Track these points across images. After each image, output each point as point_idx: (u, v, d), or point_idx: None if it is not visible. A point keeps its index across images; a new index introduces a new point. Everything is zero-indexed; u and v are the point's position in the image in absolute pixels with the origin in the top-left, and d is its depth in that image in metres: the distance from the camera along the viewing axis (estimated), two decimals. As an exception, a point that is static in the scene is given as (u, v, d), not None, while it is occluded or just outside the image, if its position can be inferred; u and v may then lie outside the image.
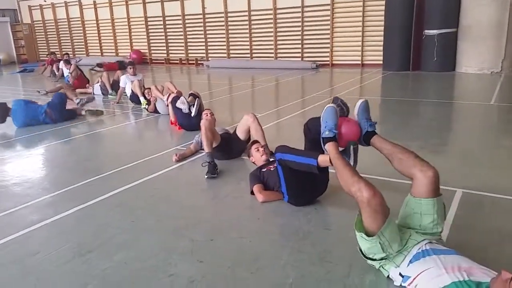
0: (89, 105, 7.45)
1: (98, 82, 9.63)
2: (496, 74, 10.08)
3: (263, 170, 3.48)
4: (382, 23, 11.85)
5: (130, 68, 8.15)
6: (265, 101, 8.44)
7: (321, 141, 2.65)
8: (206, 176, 3.85)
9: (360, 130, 2.71)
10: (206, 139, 4.08)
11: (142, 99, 7.59)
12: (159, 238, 2.84)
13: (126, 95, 8.25)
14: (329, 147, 2.59)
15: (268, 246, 2.67)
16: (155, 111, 6.99)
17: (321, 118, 2.70)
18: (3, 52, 20.23)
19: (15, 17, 21.15)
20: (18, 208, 3.41)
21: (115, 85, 9.37)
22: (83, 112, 6.95)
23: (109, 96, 9.17)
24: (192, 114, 5.60)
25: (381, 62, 11.95)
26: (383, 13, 11.83)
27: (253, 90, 9.69)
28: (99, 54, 18.87)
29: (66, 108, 6.78)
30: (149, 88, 7.31)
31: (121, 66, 12.64)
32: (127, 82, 7.98)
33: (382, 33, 11.84)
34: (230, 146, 4.41)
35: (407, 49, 11.26)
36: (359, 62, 12.98)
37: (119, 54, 18.28)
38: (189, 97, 6.26)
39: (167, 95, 6.64)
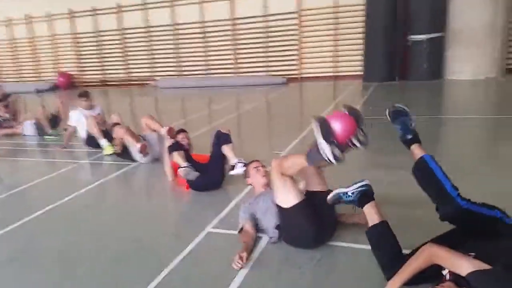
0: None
1: (28, 119, 7.16)
2: (491, 79, 9.29)
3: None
4: (359, 29, 10.73)
5: (85, 100, 5.90)
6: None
7: None
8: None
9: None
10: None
11: (103, 142, 5.43)
12: None
13: (77, 136, 6.00)
14: None
15: None
16: (128, 157, 4.92)
17: None
18: None
19: None
20: None
21: (54, 121, 7.03)
22: None
23: (47, 137, 6.78)
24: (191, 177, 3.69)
25: (361, 73, 10.75)
26: (359, 18, 10.72)
27: (210, 115, 7.86)
28: (17, 79, 15.76)
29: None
30: (116, 125, 5.19)
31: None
32: (81, 119, 5.74)
33: (359, 41, 10.71)
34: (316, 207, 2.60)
35: (392, 57, 10.16)
36: (332, 74, 11.70)
37: (42, 79, 15.39)
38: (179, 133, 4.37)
39: (140, 144, 4.65)
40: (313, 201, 2.62)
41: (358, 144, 2.42)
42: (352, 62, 11.28)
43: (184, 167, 3.67)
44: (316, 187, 2.76)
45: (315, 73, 11.90)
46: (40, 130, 6.91)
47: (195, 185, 3.74)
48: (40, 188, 4.36)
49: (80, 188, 4.14)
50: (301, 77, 12.07)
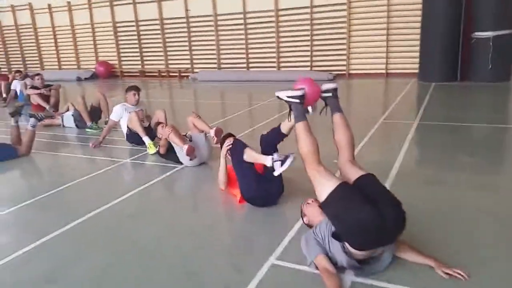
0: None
1: (68, 109, 6.92)
2: None
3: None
4: (415, 24, 9.94)
5: (134, 95, 5.49)
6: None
7: None
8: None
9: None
10: None
11: (147, 139, 5.05)
12: None
13: (118, 130, 5.66)
14: None
15: None
16: (173, 158, 4.50)
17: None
18: None
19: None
20: None
21: (94, 114, 6.73)
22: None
23: (87, 130, 6.49)
24: (277, 172, 3.08)
25: (416, 71, 9.96)
26: (415, 12, 9.91)
27: (251, 114, 7.22)
28: (57, 67, 15.82)
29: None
30: (161, 124, 4.77)
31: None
32: (124, 115, 5.36)
33: (415, 36, 9.91)
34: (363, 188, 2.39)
35: (453, 55, 9.33)
36: (384, 71, 10.94)
37: (81, 67, 15.37)
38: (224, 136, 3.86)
39: (187, 146, 4.18)
40: (358, 186, 2.35)
41: (330, 86, 2.87)
42: (406, 59, 10.48)
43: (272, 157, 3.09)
44: (356, 175, 2.43)
45: (365, 70, 11.17)
46: (80, 122, 6.63)
47: (251, 198, 3.25)
48: (81, 190, 4.00)
49: (123, 193, 3.74)
50: (349, 74, 11.36)
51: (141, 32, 14.06)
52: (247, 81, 11.91)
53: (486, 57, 8.80)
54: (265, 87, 10.85)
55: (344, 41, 11.23)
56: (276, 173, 3.03)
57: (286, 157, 3.02)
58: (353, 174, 2.46)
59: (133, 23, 14.00)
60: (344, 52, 11.30)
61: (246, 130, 5.90)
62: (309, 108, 2.86)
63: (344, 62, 11.37)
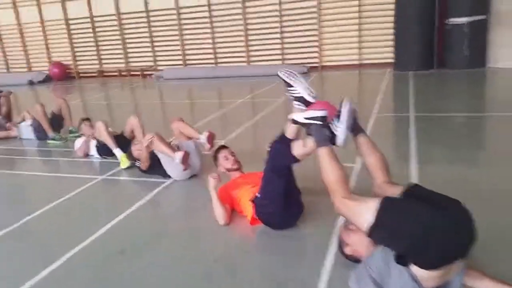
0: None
1: (24, 119, 6.09)
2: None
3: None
4: (388, 12, 9.70)
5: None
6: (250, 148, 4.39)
7: None
8: None
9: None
10: None
11: (118, 152, 4.42)
12: None
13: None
14: None
15: None
16: (158, 172, 3.92)
17: None
18: None
19: None
20: None
21: (56, 122, 5.95)
22: None
23: (49, 142, 5.71)
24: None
25: (391, 61, 9.75)
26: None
27: (226, 116, 6.62)
28: (5, 70, 14.49)
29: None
30: (137, 142, 4.17)
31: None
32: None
33: (389, 24, 9.68)
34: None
35: (429, 42, 9.18)
36: (357, 62, 10.66)
37: (33, 69, 14.15)
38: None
39: (182, 153, 3.65)
40: (408, 196, 2.02)
41: (346, 101, 2.38)
42: (380, 49, 10.24)
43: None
44: (400, 189, 2.09)
45: (338, 61, 10.85)
46: (40, 133, 5.84)
47: (278, 222, 2.72)
48: (52, 219, 3.34)
49: (106, 222, 3.12)
50: (322, 66, 11.01)
51: (97, 29, 13.07)
52: (215, 77, 11.30)
53: (462, 44, 8.70)
54: (235, 83, 10.34)
55: (316, 32, 10.85)
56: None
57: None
58: (396, 190, 2.12)
59: (88, 19, 12.98)
60: (316, 43, 10.93)
61: (229, 135, 5.29)
62: (340, 140, 2.34)
63: (317, 54, 11.00)
